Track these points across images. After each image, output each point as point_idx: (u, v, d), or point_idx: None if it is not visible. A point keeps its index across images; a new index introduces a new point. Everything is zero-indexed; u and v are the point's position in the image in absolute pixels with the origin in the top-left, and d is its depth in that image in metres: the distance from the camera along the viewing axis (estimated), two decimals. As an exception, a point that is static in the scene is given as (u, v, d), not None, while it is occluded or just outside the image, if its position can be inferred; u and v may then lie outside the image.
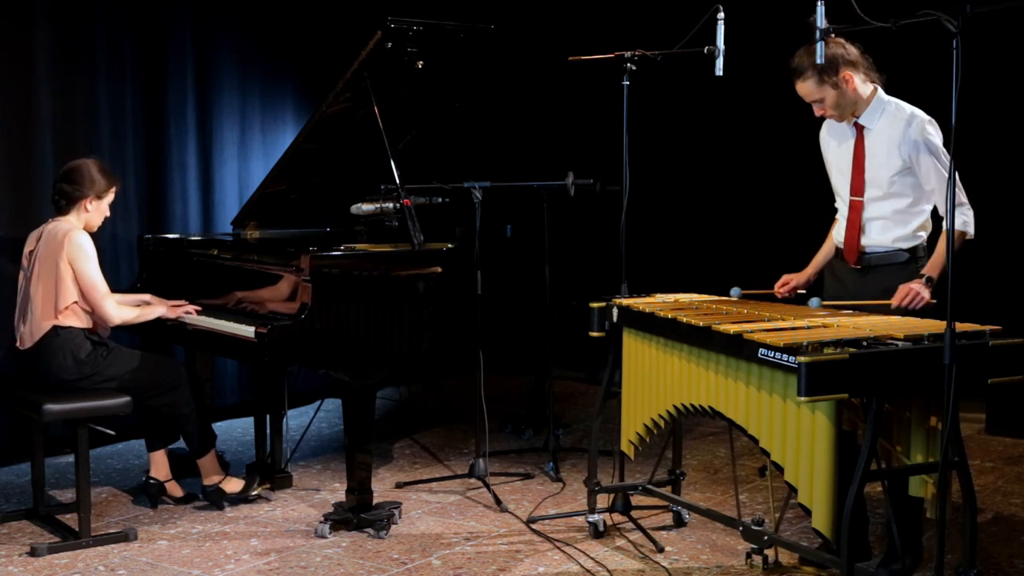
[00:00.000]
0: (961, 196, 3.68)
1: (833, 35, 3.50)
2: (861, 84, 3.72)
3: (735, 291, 3.97)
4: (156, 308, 4.59)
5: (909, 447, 3.24)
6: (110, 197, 4.54)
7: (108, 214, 4.58)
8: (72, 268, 4.34)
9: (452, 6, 5.34)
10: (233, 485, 4.66)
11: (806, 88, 3.73)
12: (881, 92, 3.75)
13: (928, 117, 3.71)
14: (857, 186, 3.77)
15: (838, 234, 3.89)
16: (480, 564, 3.99)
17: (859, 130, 3.77)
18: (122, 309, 4.46)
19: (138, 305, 4.63)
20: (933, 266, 3.66)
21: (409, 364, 4.78)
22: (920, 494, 3.28)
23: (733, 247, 6.71)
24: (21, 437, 4.96)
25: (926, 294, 3.59)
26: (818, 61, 3.51)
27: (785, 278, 4.05)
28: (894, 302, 3.61)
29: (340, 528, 4.31)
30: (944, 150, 3.67)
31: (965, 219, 3.68)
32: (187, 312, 4.59)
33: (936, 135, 3.67)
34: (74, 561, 4.05)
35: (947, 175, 3.66)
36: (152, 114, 5.80)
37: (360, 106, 4.73)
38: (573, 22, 7.00)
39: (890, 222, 3.74)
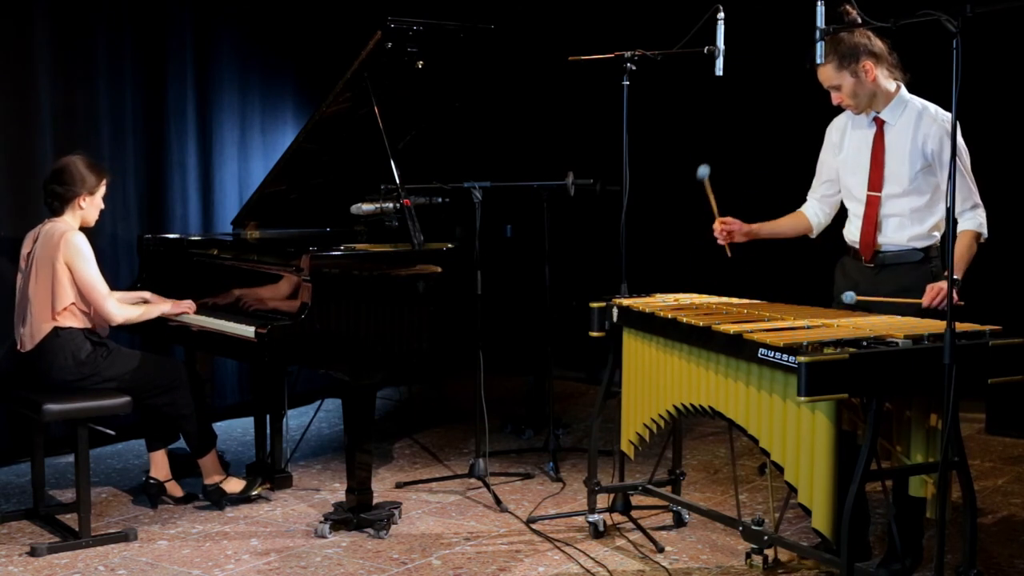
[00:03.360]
0: (975, 197, 3.70)
1: (845, 28, 3.49)
2: (884, 79, 3.71)
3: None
4: (159, 306, 4.59)
5: (909, 447, 3.24)
6: (102, 190, 4.52)
7: (103, 206, 4.56)
8: (70, 270, 4.34)
9: (452, 6, 5.34)
10: (234, 485, 4.66)
11: (825, 73, 3.70)
12: (904, 90, 3.75)
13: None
14: (875, 181, 3.76)
15: (851, 231, 3.87)
16: (480, 564, 3.99)
17: (879, 125, 3.76)
18: (124, 308, 4.46)
19: (138, 303, 4.64)
20: (956, 267, 3.62)
21: (409, 364, 4.77)
22: (920, 494, 3.28)
23: (733, 247, 6.70)
24: (21, 437, 4.96)
25: (954, 295, 3.58)
26: (818, 61, 3.51)
27: (730, 220, 4.05)
28: (925, 301, 3.60)
29: (340, 528, 4.31)
30: (966, 150, 3.69)
31: (980, 220, 3.70)
32: (187, 310, 4.60)
33: (959, 135, 3.67)
34: (74, 561, 4.05)
35: (966, 176, 3.68)
36: (152, 114, 5.80)
37: (360, 106, 4.73)
38: (573, 22, 7.00)
39: (907, 220, 3.73)
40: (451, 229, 5.03)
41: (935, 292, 3.60)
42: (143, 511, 4.62)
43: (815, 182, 4.04)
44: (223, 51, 6.10)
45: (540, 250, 5.31)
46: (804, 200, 4.09)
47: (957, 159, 3.63)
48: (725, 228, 4.04)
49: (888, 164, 3.73)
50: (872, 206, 3.77)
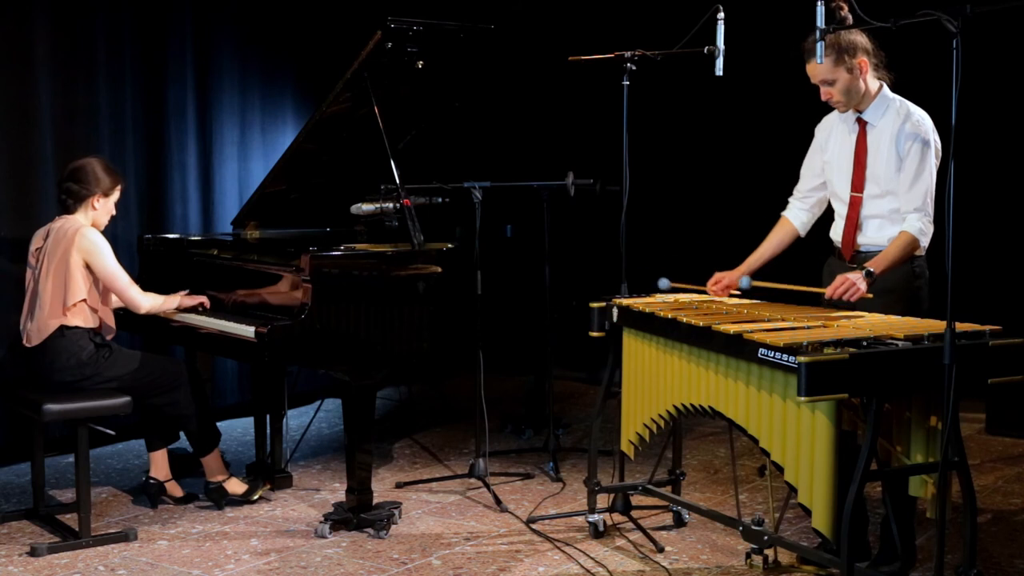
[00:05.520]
0: (928, 205, 3.65)
1: (847, 27, 3.49)
2: (871, 78, 3.71)
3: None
4: (175, 298, 4.59)
5: (909, 447, 3.24)
6: (116, 195, 4.54)
7: (114, 212, 4.57)
8: (88, 265, 4.35)
9: (452, 6, 5.34)
10: (236, 487, 4.66)
11: (820, 67, 3.65)
12: (886, 89, 3.74)
13: (931, 123, 3.68)
14: (858, 182, 3.76)
15: (836, 231, 3.89)
16: (480, 564, 3.99)
17: (861, 126, 3.76)
18: (148, 295, 4.48)
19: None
20: (879, 261, 3.63)
21: (409, 364, 4.77)
22: (920, 494, 3.29)
23: (734, 247, 6.70)
24: (21, 437, 4.96)
25: (863, 286, 3.56)
26: (818, 62, 3.51)
27: (717, 276, 4.05)
28: (828, 292, 3.61)
29: (340, 528, 4.31)
30: (934, 156, 3.65)
31: (921, 227, 3.63)
32: (200, 303, 4.61)
33: (932, 138, 3.65)
34: (74, 561, 4.05)
35: (925, 178, 3.63)
36: (152, 114, 5.80)
37: (360, 106, 4.73)
38: (573, 22, 7.00)
39: (887, 221, 3.73)
40: (451, 229, 5.03)
41: (841, 283, 3.58)
42: (143, 511, 4.62)
43: (799, 183, 4.04)
44: (223, 51, 6.10)
45: (540, 250, 5.31)
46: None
47: (923, 159, 3.63)
48: (718, 287, 4.03)
49: (869, 165, 3.73)
50: (854, 207, 3.78)
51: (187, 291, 4.67)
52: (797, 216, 4.03)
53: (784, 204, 4.12)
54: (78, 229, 4.37)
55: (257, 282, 4.55)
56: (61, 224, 4.43)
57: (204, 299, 4.63)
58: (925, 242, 3.66)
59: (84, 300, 4.37)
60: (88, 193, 4.44)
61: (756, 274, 3.98)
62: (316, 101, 5.51)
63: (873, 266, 3.61)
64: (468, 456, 5.39)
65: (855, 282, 3.56)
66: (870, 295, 3.57)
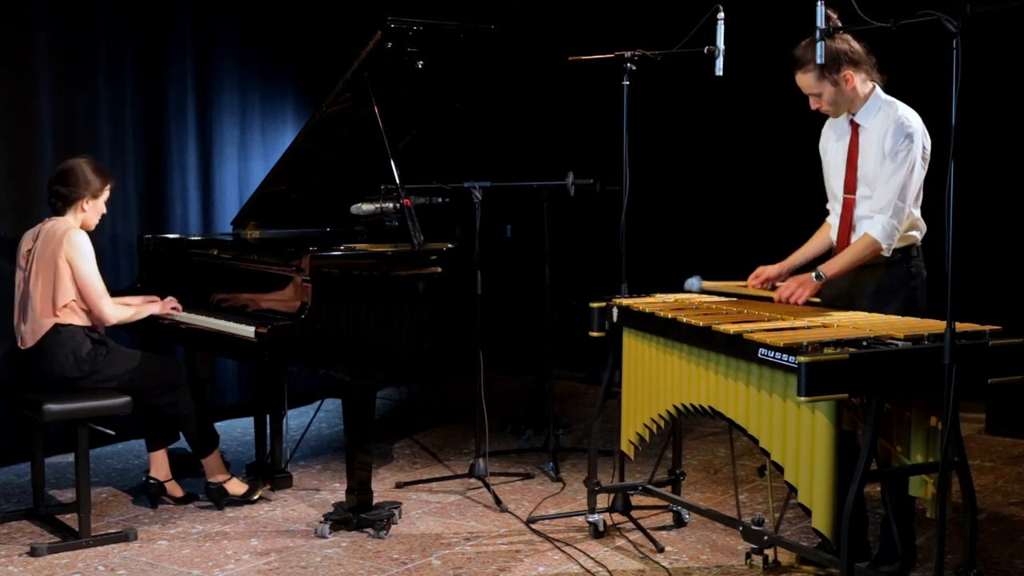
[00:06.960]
0: (896, 209, 3.60)
1: (840, 31, 3.49)
2: (860, 83, 3.70)
3: (694, 282, 4.11)
4: (150, 306, 4.60)
5: (909, 447, 3.24)
6: (106, 195, 4.54)
7: (105, 211, 4.58)
8: (70, 267, 4.35)
9: (452, 6, 5.34)
10: (237, 487, 4.66)
11: (806, 80, 3.70)
12: (879, 91, 3.74)
13: (921, 126, 3.66)
14: (850, 184, 3.77)
15: (832, 232, 3.89)
16: (480, 564, 3.99)
17: (854, 128, 3.76)
18: (118, 308, 4.48)
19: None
20: (833, 264, 3.66)
21: (409, 364, 4.78)
22: (920, 494, 3.28)
23: (734, 246, 6.71)
24: (21, 437, 4.96)
25: (807, 293, 3.64)
26: (818, 61, 3.50)
27: (759, 270, 4.05)
28: (776, 297, 3.68)
29: (340, 528, 4.31)
30: (919, 156, 3.62)
31: (886, 230, 3.59)
32: (174, 308, 4.61)
33: (917, 140, 3.61)
34: (74, 561, 4.05)
35: (899, 178, 3.59)
36: (152, 114, 5.81)
37: (360, 106, 4.73)
38: (573, 22, 7.00)
39: None
40: (451, 229, 5.03)
41: (785, 286, 3.67)
42: (143, 511, 4.62)
43: (830, 193, 4.02)
44: (223, 51, 6.10)
45: (540, 250, 5.31)
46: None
47: (903, 160, 3.61)
48: (759, 281, 4.02)
49: (860, 167, 3.73)
50: (847, 208, 3.78)
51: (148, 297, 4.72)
52: (833, 220, 4.02)
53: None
54: (66, 232, 4.37)
55: (257, 282, 4.55)
56: (51, 226, 4.43)
57: (174, 301, 4.63)
58: (888, 245, 3.61)
59: (74, 300, 4.37)
60: (77, 196, 4.43)
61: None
62: (316, 101, 5.51)
63: (825, 269, 3.65)
64: (468, 456, 5.39)
65: (800, 285, 3.63)
66: (817, 299, 3.62)
